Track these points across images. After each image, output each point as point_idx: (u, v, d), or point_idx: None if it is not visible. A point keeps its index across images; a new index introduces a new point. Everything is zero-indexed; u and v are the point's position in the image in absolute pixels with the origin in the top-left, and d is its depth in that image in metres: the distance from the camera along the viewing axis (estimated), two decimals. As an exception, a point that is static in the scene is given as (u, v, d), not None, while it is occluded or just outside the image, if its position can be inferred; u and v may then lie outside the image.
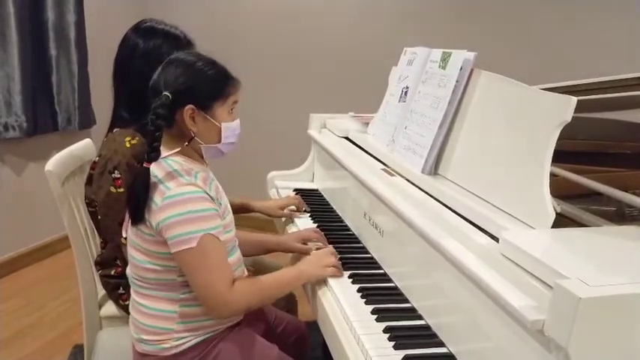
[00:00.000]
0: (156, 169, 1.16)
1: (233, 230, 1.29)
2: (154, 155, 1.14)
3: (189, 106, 1.18)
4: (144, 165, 1.14)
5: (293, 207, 1.79)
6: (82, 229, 1.58)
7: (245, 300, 1.20)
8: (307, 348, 1.56)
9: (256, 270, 1.75)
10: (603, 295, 0.72)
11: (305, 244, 1.49)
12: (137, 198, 1.14)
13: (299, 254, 1.46)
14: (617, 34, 2.63)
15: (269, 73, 3.38)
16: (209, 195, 1.17)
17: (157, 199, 1.14)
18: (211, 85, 1.21)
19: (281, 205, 1.78)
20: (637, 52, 2.58)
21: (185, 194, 1.13)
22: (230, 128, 1.24)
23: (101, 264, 1.56)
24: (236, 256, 1.28)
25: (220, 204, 1.23)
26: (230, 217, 1.28)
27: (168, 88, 1.17)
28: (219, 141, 1.23)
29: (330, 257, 1.35)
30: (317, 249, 1.45)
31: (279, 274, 1.28)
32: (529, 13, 2.80)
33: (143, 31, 1.50)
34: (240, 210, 1.72)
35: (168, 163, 1.18)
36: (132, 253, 1.23)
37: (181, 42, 1.51)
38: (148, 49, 1.47)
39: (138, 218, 1.16)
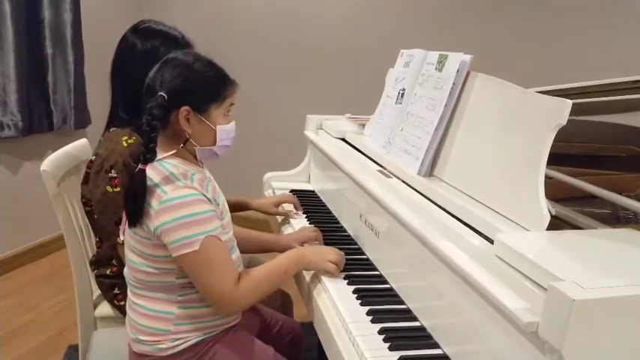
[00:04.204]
0: (152, 173, 1.15)
1: (231, 230, 1.29)
2: (149, 156, 1.13)
3: (185, 108, 1.17)
4: (140, 167, 1.13)
5: (289, 206, 1.79)
6: (78, 229, 1.58)
7: (252, 294, 1.19)
8: (302, 349, 1.56)
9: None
10: (597, 297, 0.72)
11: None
12: (134, 200, 1.13)
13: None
14: (613, 36, 2.64)
15: (266, 73, 3.38)
16: (206, 197, 1.16)
17: (154, 203, 1.13)
18: (208, 87, 1.20)
19: (275, 203, 1.79)
20: (633, 54, 2.59)
21: (182, 198, 1.13)
22: (225, 131, 1.23)
23: (96, 263, 1.56)
24: (235, 255, 1.28)
25: (218, 204, 1.22)
26: (228, 217, 1.29)
27: (164, 89, 1.15)
28: (214, 143, 1.22)
29: (335, 255, 1.34)
30: None
31: (279, 260, 1.27)
32: (525, 15, 2.80)
33: (141, 31, 1.50)
34: (236, 208, 1.73)
35: (164, 167, 1.17)
36: (129, 256, 1.22)
37: (180, 42, 1.51)
38: (147, 50, 1.47)
39: (135, 220, 1.15)
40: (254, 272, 1.22)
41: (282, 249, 1.51)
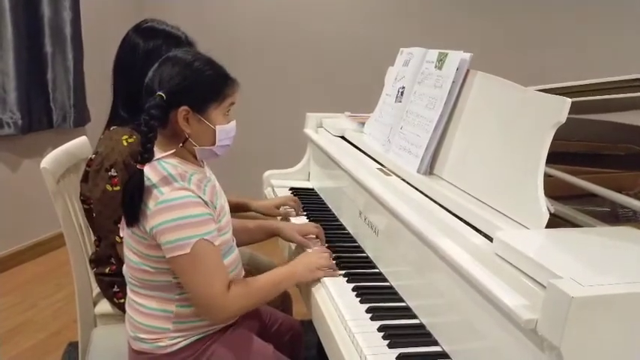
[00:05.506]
0: (150, 173, 1.14)
1: (229, 232, 1.28)
2: (147, 157, 1.12)
3: (184, 108, 1.15)
4: (137, 167, 1.12)
5: (289, 208, 1.79)
6: (77, 227, 1.58)
7: (240, 303, 1.20)
8: (302, 347, 1.56)
9: (252, 269, 1.76)
10: (595, 294, 0.72)
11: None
12: (131, 199, 1.13)
13: (295, 254, 1.46)
14: (613, 36, 2.64)
15: (265, 72, 3.38)
16: (203, 199, 1.16)
17: (150, 203, 1.13)
18: (207, 86, 1.18)
19: (277, 204, 1.79)
20: (632, 54, 2.59)
21: (178, 199, 1.12)
22: (225, 131, 1.21)
23: (96, 262, 1.56)
24: (233, 256, 1.28)
25: (215, 207, 1.21)
26: (227, 218, 1.28)
27: (163, 88, 1.14)
28: (214, 143, 1.21)
29: (323, 259, 1.34)
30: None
31: (272, 274, 1.28)
32: (525, 15, 2.81)
33: (144, 31, 1.50)
34: (237, 209, 1.73)
35: (162, 166, 1.16)
36: (128, 255, 1.22)
37: (182, 43, 1.50)
38: (148, 49, 1.46)
39: (132, 220, 1.15)
40: (249, 281, 1.23)
41: (282, 235, 1.51)
